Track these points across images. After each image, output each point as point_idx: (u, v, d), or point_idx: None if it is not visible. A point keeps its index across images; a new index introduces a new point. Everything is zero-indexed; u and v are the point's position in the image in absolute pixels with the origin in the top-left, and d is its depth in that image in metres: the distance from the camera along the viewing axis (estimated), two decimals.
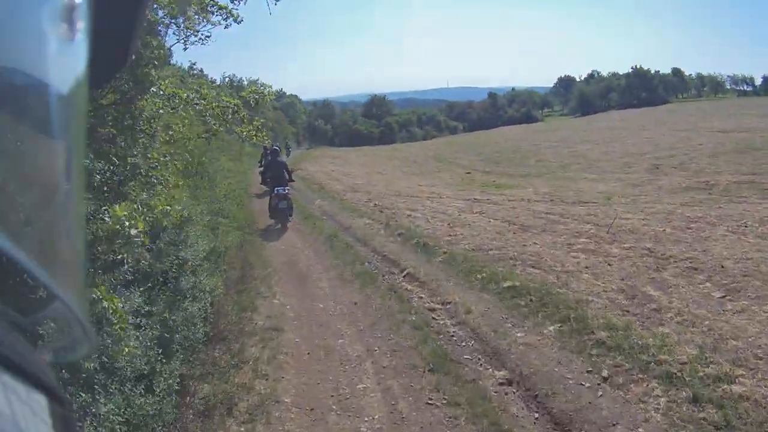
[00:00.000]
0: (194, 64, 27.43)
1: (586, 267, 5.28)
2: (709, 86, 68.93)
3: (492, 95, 65.38)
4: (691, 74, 74.25)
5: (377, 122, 49.86)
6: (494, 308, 4.60)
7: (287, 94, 57.63)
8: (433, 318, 4.63)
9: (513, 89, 72.27)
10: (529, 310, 4.42)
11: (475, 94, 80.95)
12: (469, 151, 25.61)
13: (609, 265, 5.30)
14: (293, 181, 9.61)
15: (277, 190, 8.74)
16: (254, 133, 5.00)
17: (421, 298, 5.13)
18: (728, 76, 68.91)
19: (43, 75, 0.29)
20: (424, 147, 33.17)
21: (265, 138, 6.26)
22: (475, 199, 10.38)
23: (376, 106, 53.41)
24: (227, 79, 39.57)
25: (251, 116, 5.07)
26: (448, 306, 4.82)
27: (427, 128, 52.17)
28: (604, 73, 73.86)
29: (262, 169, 12.14)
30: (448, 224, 7.76)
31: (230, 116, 4.53)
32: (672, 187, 9.86)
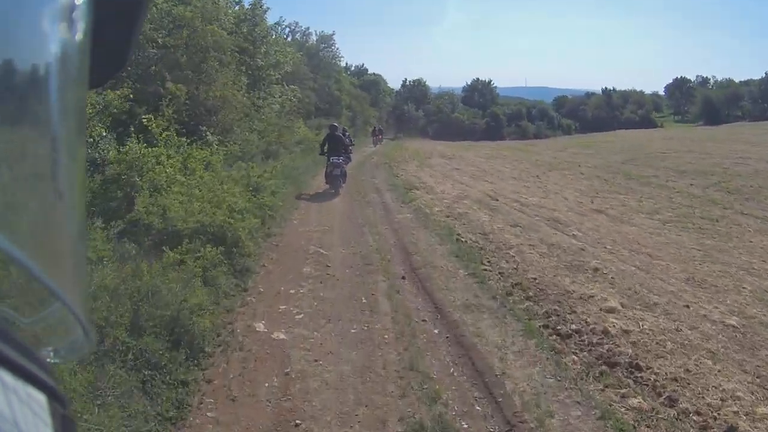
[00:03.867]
0: None
1: None
2: None
3: (607, 92, 55.26)
4: None
5: (481, 112, 41.51)
6: None
7: (368, 72, 50.80)
8: None
9: (614, 89, 61.74)
10: None
11: (553, 95, 71.21)
12: (647, 163, 17.65)
13: None
14: (348, 153, 11.09)
15: (332, 160, 10.28)
16: None
17: None
18: None
19: (43, 75, 0.28)
20: (553, 147, 25.25)
21: None
22: None
23: (479, 93, 44.60)
24: (287, 28, 31.14)
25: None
26: None
27: (539, 124, 43.00)
28: (719, 78, 63.33)
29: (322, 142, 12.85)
30: None
31: None
32: None
